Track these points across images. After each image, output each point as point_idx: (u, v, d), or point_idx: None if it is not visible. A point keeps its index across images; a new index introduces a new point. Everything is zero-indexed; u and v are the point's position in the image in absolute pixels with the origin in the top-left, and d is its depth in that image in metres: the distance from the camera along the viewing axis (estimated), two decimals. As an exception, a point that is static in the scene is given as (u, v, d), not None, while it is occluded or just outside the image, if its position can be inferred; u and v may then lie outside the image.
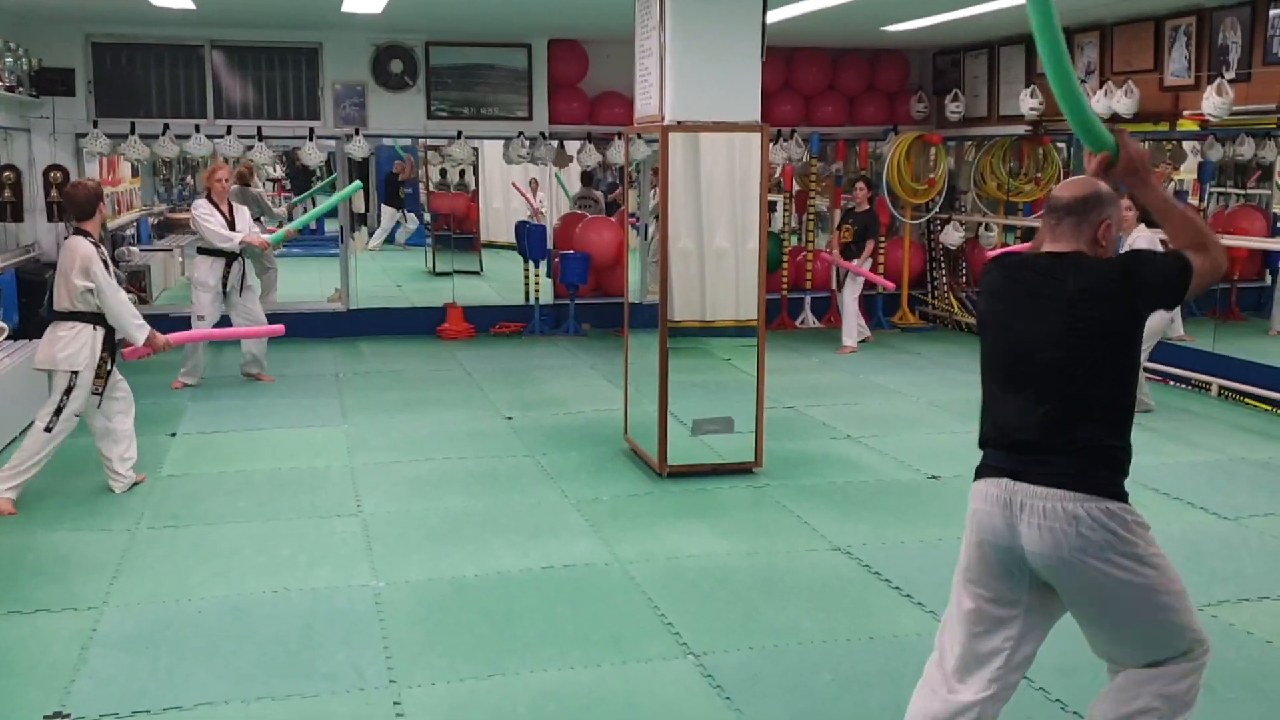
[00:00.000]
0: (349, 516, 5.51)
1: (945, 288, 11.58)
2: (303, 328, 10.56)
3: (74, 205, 5.71)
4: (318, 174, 19.04)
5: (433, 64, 10.55)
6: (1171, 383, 8.71)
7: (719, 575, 4.74)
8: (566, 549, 5.04)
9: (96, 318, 5.60)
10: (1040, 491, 2.72)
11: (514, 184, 15.46)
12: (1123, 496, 2.73)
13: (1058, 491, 2.70)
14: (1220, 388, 8.30)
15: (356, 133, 10.36)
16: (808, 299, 11.48)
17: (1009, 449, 2.82)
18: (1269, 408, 7.83)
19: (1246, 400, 8.05)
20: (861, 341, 10.31)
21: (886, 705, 3.62)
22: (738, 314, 10.45)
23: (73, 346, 5.52)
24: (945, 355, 9.94)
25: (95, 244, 5.61)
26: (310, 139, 10.31)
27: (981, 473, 2.89)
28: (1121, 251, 3.22)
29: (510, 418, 7.55)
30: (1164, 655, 2.77)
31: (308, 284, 12.91)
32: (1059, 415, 2.75)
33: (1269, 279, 11.70)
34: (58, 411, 5.57)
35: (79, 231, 5.65)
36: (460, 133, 10.60)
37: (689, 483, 6.04)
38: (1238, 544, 5.15)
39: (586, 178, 13.84)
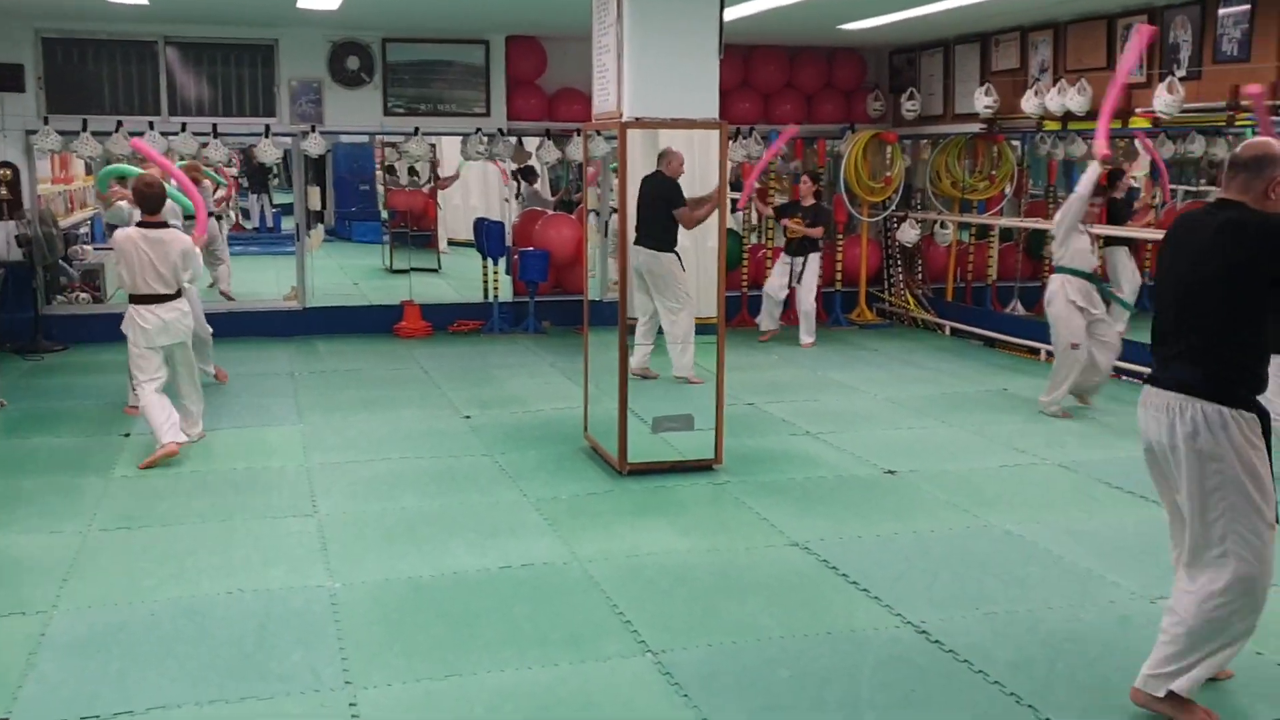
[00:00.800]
0: (304, 517, 5.46)
1: (902, 285, 11.67)
2: (258, 326, 10.48)
3: (148, 201, 6.39)
4: (274, 171, 18.90)
5: (389, 60, 10.48)
6: (1123, 377, 8.82)
7: (678, 573, 4.74)
8: (525, 548, 5.02)
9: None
10: (1160, 392, 3.43)
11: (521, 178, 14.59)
12: (1230, 402, 3.27)
13: (1168, 393, 3.38)
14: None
15: (313, 129, 10.27)
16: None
17: (1154, 359, 3.51)
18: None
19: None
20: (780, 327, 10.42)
21: (844, 701, 3.64)
22: (698, 311, 10.49)
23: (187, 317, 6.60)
24: (902, 352, 10.01)
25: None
26: (266, 136, 10.21)
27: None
28: None
29: (468, 416, 7.51)
30: (1208, 554, 3.32)
31: (264, 282, 12.79)
32: (1183, 334, 3.37)
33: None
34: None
35: (159, 224, 6.42)
36: (417, 129, 10.54)
37: (649, 480, 6.04)
38: (1188, 537, 5.22)
39: (527, 174, 13.48)
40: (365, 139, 15.01)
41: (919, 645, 4.04)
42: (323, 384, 8.52)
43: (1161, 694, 3.41)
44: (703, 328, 8.60)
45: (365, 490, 5.90)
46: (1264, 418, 3.34)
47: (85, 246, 11.74)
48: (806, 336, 10.23)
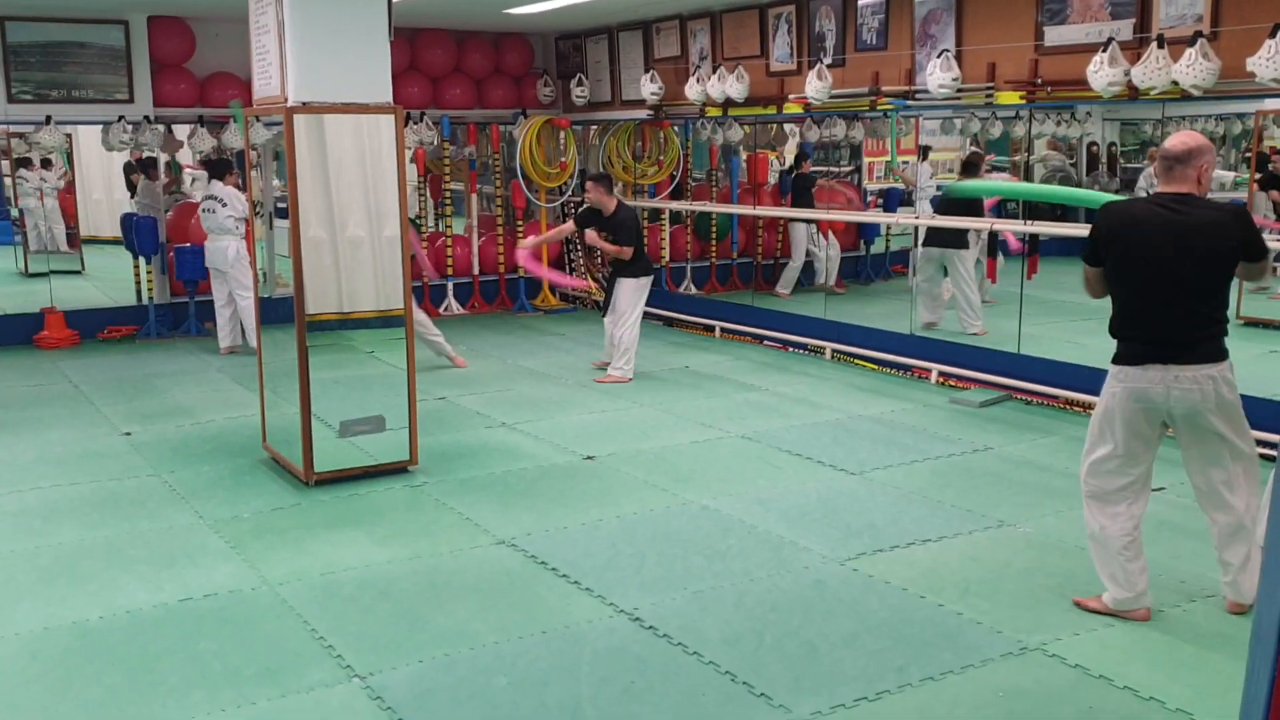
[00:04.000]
0: (-63, 565, 4.76)
1: (583, 270, 11.79)
2: None
3: None
4: None
5: (11, 41, 9.35)
6: (790, 349, 9.34)
7: (380, 586, 4.49)
8: (206, 577, 4.59)
9: None
10: (1192, 367, 3.92)
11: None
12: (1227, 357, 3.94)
13: (1202, 366, 3.91)
14: (833, 351, 8.99)
15: (-83, 118, 9.02)
16: (450, 285, 11.30)
17: (1164, 340, 3.94)
18: (875, 367, 8.57)
19: (856, 361, 8.77)
20: None
21: (564, 701, 3.56)
22: (378, 304, 10.13)
23: None
24: (587, 335, 10.09)
25: None
26: None
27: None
28: None
29: (128, 433, 6.84)
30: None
31: None
32: (1196, 316, 3.90)
33: (863, 249, 12.85)
34: None
35: None
36: (49, 117, 9.49)
37: (340, 489, 5.72)
38: (865, 497, 5.56)
39: (146, 166, 11.25)
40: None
41: (634, 633, 4.03)
42: (-51, 408, 7.49)
43: None
44: (386, 321, 8.29)
45: (11, 527, 5.22)
46: None
47: None
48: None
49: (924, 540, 4.94)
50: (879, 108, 8.74)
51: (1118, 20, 6.64)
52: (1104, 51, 6.40)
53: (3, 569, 4.71)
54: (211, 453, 6.43)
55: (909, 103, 8.40)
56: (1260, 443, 5.57)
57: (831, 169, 13.26)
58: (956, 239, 9.28)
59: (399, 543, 4.99)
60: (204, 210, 9.30)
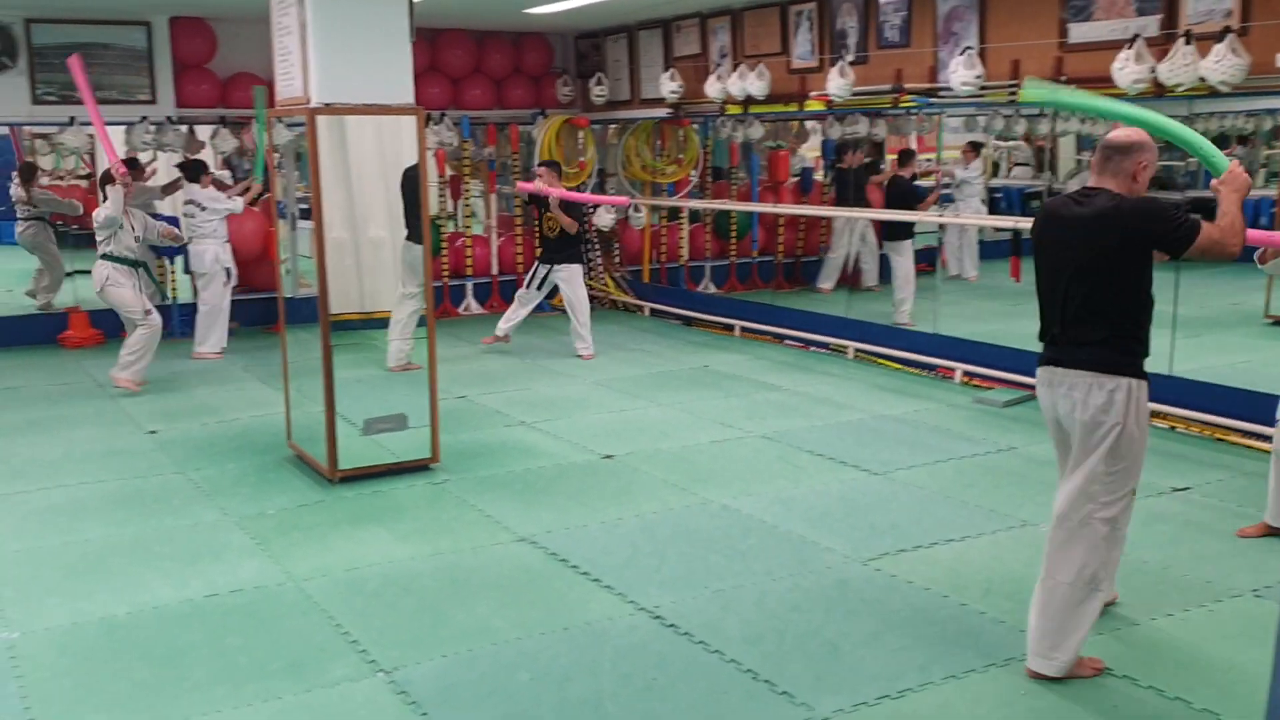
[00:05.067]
0: (-34, 561, 4.81)
1: (601, 268, 11.80)
2: (-111, 345, 9.20)
3: None
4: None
5: (36, 43, 9.45)
6: (811, 348, 9.32)
7: (403, 582, 4.52)
8: (232, 572, 4.63)
9: None
10: (1068, 371, 3.64)
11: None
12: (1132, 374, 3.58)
13: (1078, 372, 3.61)
14: (856, 350, 8.97)
15: (-54, 119, 9.11)
16: (470, 284, 11.34)
17: (1054, 342, 3.71)
18: (899, 366, 8.54)
19: (879, 360, 8.74)
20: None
21: (586, 697, 3.57)
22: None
23: None
24: (604, 334, 10.08)
25: None
26: (-116, 127, 8.96)
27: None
28: None
29: (154, 431, 6.89)
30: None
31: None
32: (1086, 318, 3.59)
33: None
34: None
35: None
36: (73, 119, 9.58)
37: (363, 486, 5.75)
38: (889, 497, 5.55)
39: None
40: (5, 130, 13.49)
41: (655, 631, 4.04)
42: (-24, 406, 7.57)
43: None
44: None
45: (40, 523, 5.27)
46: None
47: None
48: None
49: (947, 540, 4.92)
50: (901, 105, 8.72)
51: (1144, 16, 6.59)
52: (1129, 48, 6.36)
53: (31, 565, 4.75)
54: (236, 450, 6.47)
55: (932, 100, 8.37)
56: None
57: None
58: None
59: (421, 539, 5.01)
60: (184, 216, 9.36)
